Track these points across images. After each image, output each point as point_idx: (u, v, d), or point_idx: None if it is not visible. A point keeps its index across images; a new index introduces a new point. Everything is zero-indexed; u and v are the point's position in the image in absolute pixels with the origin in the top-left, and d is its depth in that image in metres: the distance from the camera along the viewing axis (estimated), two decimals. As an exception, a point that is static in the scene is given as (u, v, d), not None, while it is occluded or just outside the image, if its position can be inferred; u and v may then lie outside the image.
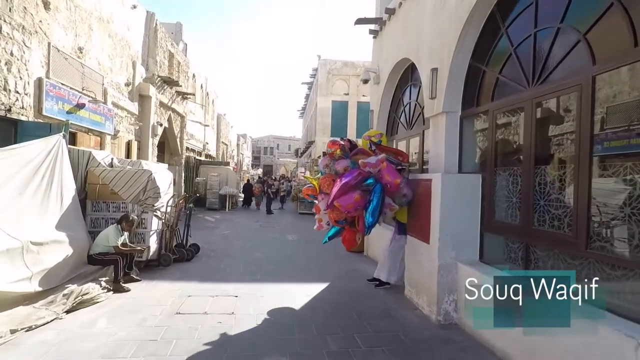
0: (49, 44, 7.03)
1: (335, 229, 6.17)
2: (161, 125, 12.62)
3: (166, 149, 16.00)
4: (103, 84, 9.03)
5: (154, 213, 6.62)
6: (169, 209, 7.09)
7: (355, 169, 5.38)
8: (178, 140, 15.74)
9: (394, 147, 8.28)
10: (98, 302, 4.76)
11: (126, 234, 5.75)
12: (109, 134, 9.34)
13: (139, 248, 5.86)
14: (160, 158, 15.96)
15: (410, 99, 7.30)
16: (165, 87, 13.34)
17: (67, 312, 4.35)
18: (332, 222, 5.80)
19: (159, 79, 12.50)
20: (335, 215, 5.55)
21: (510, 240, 4.04)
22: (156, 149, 12.63)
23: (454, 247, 4.45)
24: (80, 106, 7.96)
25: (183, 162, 16.31)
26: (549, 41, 3.53)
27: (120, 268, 5.38)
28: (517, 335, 3.24)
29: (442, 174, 4.56)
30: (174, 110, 14.66)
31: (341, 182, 5.35)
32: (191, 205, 7.96)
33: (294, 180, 23.63)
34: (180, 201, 7.65)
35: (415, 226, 5.31)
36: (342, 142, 5.76)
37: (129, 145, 10.69)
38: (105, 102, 9.07)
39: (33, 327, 3.84)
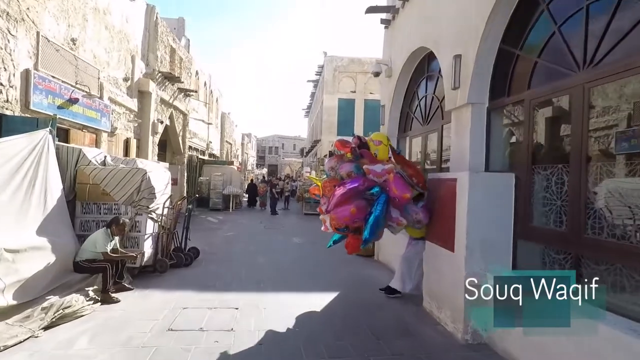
0: (37, 33, 6.56)
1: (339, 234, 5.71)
2: (162, 122, 12.16)
3: (168, 147, 15.57)
4: (99, 78, 8.57)
5: (149, 215, 6.13)
6: (165, 210, 6.60)
7: (359, 176, 4.88)
8: (180, 138, 15.29)
9: (407, 147, 7.75)
10: (82, 315, 4.26)
11: (117, 238, 5.26)
12: (105, 131, 8.87)
13: (131, 254, 5.35)
14: (162, 157, 15.54)
15: (426, 91, 6.74)
16: (166, 84, 12.89)
17: (46, 328, 3.85)
18: (332, 229, 5.27)
19: (159, 74, 12.04)
20: (336, 223, 5.03)
21: (554, 250, 3.48)
22: (157, 148, 12.18)
23: (484, 256, 3.89)
24: (74, 101, 7.50)
25: (185, 161, 15.86)
26: (607, 15, 2.96)
27: (110, 276, 4.89)
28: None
29: (469, 173, 4.00)
30: (175, 108, 14.20)
31: (341, 191, 4.85)
32: (190, 206, 7.45)
33: (299, 180, 23.12)
34: (179, 202, 7.14)
35: (436, 232, 4.76)
36: (352, 145, 5.19)
37: (127, 143, 10.23)
38: (101, 98, 8.61)
39: (2, 348, 3.35)
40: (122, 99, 9.84)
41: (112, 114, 9.32)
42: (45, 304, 4.05)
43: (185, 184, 15.83)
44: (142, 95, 11.18)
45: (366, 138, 5.33)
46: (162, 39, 12.18)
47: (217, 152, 24.80)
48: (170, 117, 14.05)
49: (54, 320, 3.94)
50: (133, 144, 10.57)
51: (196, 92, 15.61)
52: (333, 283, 6.24)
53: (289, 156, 69.26)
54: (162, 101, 12.67)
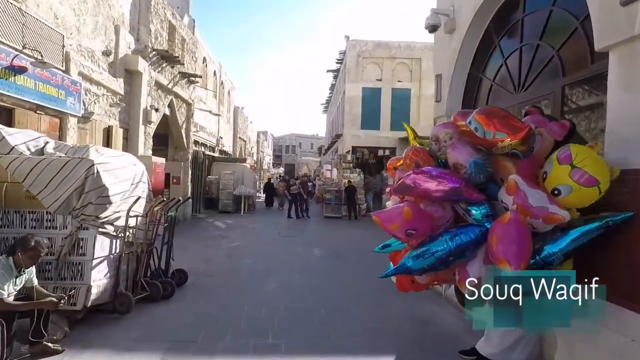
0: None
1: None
2: (157, 110, 10.19)
3: (170, 142, 13.64)
4: (63, 46, 6.60)
5: (101, 229, 4.06)
6: (135, 220, 4.55)
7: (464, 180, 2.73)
8: (183, 131, 13.33)
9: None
10: None
11: (30, 271, 3.19)
12: (73, 115, 6.90)
13: (51, 300, 3.24)
14: (162, 152, 13.62)
15: (521, 41, 4.44)
16: (163, 65, 10.92)
17: None
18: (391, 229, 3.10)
19: (154, 52, 10.08)
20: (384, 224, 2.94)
21: None
22: (151, 140, 10.22)
23: None
24: (18, 70, 5.52)
25: (190, 157, 13.90)
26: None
27: (5, 339, 2.83)
28: None
29: None
30: (176, 95, 12.24)
31: (423, 179, 2.74)
32: (172, 214, 5.35)
33: (318, 179, 20.97)
34: (156, 208, 5.07)
35: (624, 282, 2.50)
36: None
37: (109, 132, 8.27)
38: (66, 71, 6.64)
39: None
40: (101, 77, 7.88)
41: (86, 94, 7.36)
42: None
43: (189, 184, 13.87)
44: (131, 76, 9.22)
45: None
46: (158, 11, 10.21)
47: (228, 148, 22.89)
48: (171, 106, 12.10)
49: None
50: (118, 133, 8.61)
51: (201, 77, 13.63)
52: (381, 335, 4.03)
53: (306, 155, 67.24)
54: (159, 85, 10.70)
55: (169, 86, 11.40)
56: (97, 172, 3.91)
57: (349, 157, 18.14)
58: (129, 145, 9.26)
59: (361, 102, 18.88)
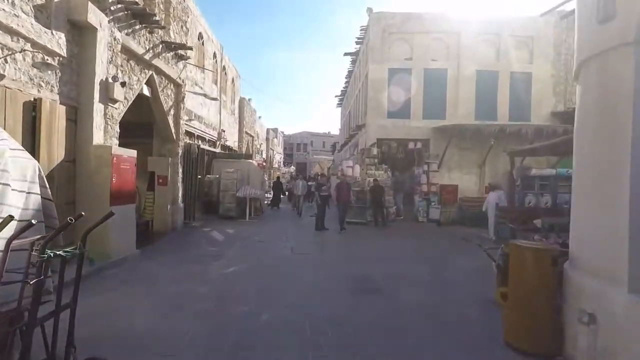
0: None
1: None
2: (124, 85, 7.43)
3: (155, 133, 10.94)
4: None
5: None
6: None
7: None
8: (171, 118, 10.60)
9: None
10: None
11: None
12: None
13: None
14: (146, 147, 10.93)
15: None
16: (137, 28, 8.18)
17: None
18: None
19: (119, 5, 7.33)
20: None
21: None
22: (116, 126, 7.46)
23: None
24: None
25: (180, 151, 11.17)
26: None
27: None
28: None
29: None
30: (159, 71, 9.50)
31: None
32: (52, 254, 2.45)
33: (336, 177, 18.05)
34: (17, 242, 2.25)
35: None
36: None
37: (38, 108, 5.52)
38: None
39: None
40: (21, 24, 5.14)
41: (-14, 45, 4.63)
42: None
43: (180, 184, 11.14)
44: (81, 32, 6.49)
45: None
46: (124, -51, 7.44)
47: (233, 144, 20.18)
48: (151, 85, 9.36)
49: None
50: (56, 112, 5.87)
51: (191, 49, 10.84)
52: None
53: (318, 154, 64.51)
54: (130, 53, 7.96)
55: (147, 57, 8.65)
56: None
57: (374, 151, 15.20)
58: (77, 130, 6.54)
59: (387, 85, 15.90)
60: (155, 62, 9.14)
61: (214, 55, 16.21)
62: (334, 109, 37.25)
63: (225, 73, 18.56)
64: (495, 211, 10.41)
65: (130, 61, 8.08)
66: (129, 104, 8.09)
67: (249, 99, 24.37)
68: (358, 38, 18.07)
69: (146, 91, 9.22)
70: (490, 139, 14.13)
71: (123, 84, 7.41)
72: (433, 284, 6.02)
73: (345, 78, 24.75)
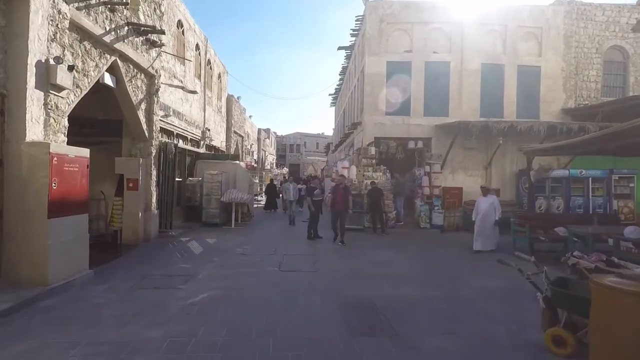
0: None
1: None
2: (72, 69, 6.09)
3: (125, 130, 9.58)
4: None
5: None
6: None
7: None
8: (142, 113, 9.25)
9: None
10: None
11: None
12: None
13: None
14: (115, 146, 9.61)
15: None
16: (95, 4, 6.84)
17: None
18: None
19: (66, -27, 5.99)
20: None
21: None
22: (63, 119, 6.10)
23: None
24: None
25: (154, 151, 9.82)
26: None
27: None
28: None
29: None
30: (125, 58, 8.15)
31: None
32: None
33: (330, 179, 16.79)
34: None
35: None
36: None
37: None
38: None
39: None
40: None
41: None
42: None
43: (154, 188, 9.79)
44: (10, 1, 5.15)
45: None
46: None
47: (220, 144, 18.83)
48: (115, 73, 8.01)
49: None
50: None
51: (163, 33, 9.48)
52: None
53: (311, 155, 63.29)
54: (83, 33, 6.62)
55: (107, 40, 7.30)
56: None
57: (372, 151, 13.95)
58: (6, 123, 5.19)
59: (386, 79, 14.67)
60: (120, 46, 7.79)
61: (197, 47, 14.87)
62: (328, 108, 36.04)
63: (211, 67, 17.21)
64: (496, 218, 9.17)
65: (85, 42, 6.73)
66: (83, 93, 6.74)
67: (238, 97, 23.04)
68: (353, 30, 16.82)
69: (109, 80, 7.86)
70: (499, 138, 12.95)
71: (71, 68, 6.05)
72: (456, 317, 4.76)
73: (339, 75, 23.49)
